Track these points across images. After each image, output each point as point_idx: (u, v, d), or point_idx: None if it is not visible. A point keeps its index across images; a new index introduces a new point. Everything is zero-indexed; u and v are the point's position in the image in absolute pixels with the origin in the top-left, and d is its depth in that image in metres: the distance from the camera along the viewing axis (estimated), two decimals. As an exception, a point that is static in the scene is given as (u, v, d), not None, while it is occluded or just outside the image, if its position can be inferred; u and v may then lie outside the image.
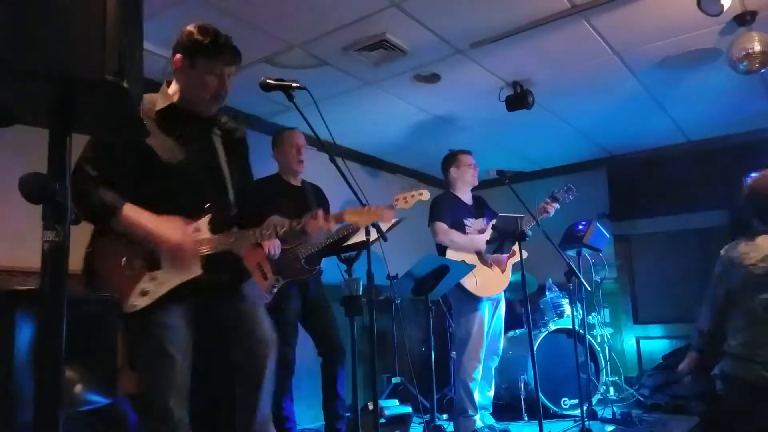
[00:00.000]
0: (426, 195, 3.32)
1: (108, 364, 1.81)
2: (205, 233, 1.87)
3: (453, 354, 3.81)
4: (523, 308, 3.72)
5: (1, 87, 0.97)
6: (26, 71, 0.92)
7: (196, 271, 1.82)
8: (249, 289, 2.01)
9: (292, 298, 3.14)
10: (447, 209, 3.67)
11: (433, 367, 3.26)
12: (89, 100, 1.04)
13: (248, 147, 2.19)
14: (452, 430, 3.60)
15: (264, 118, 4.22)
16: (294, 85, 2.13)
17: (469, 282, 3.46)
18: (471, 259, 3.55)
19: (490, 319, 3.65)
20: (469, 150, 3.87)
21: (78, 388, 1.70)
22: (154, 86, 3.59)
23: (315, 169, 3.49)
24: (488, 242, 3.58)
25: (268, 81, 2.12)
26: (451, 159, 3.83)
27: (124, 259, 1.80)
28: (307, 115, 2.15)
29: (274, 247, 3.02)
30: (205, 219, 1.88)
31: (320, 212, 2.00)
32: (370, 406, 3.00)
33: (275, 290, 3.06)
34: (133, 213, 1.76)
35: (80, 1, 0.95)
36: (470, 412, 3.48)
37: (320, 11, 2.88)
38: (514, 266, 3.67)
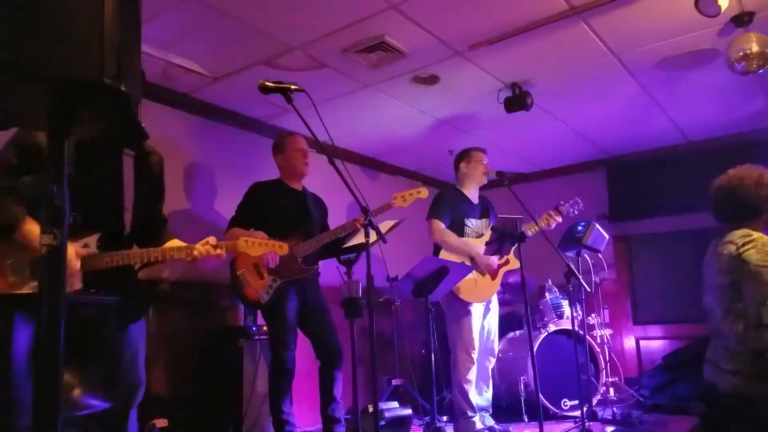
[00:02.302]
0: (425, 193, 3.34)
1: (107, 368, 1.81)
2: (92, 250, 1.87)
3: (453, 355, 3.81)
4: (523, 309, 3.72)
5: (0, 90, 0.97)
6: (24, 73, 0.92)
7: (76, 284, 1.82)
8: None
9: (290, 300, 3.13)
10: (448, 206, 3.65)
11: (433, 368, 3.26)
12: (87, 103, 1.04)
13: (162, 171, 2.16)
14: (452, 432, 3.59)
15: (263, 120, 4.22)
16: (293, 87, 2.13)
17: (459, 287, 3.45)
18: (464, 259, 3.54)
19: (482, 320, 3.64)
20: (484, 149, 3.84)
21: (77, 391, 1.69)
22: (152, 89, 3.61)
23: (314, 171, 3.49)
24: (488, 243, 3.58)
25: (266, 83, 2.12)
26: (462, 154, 3.81)
27: (10, 262, 1.80)
28: (306, 118, 2.15)
29: (273, 257, 3.04)
30: (94, 236, 1.89)
31: (211, 239, 2.00)
32: (371, 409, 3.01)
33: (272, 290, 3.06)
34: (29, 227, 1.78)
35: (78, 4, 0.94)
36: (469, 414, 3.47)
37: (319, 13, 2.87)
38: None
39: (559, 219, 3.72)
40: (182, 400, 3.40)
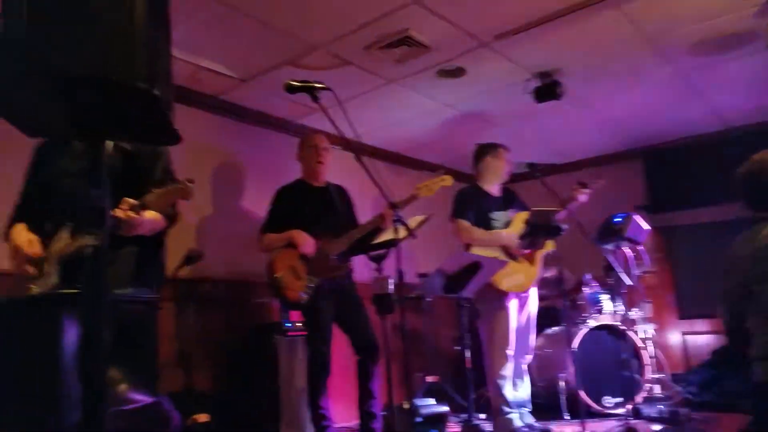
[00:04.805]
0: (449, 180, 3.30)
1: (150, 364, 1.87)
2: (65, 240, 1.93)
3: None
4: (561, 304, 3.64)
5: (37, 96, 1.01)
6: (60, 80, 0.95)
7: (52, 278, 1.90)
8: None
9: (325, 297, 3.17)
10: (471, 204, 3.57)
11: (469, 365, 3.22)
12: (121, 107, 1.07)
13: (142, 159, 2.07)
14: (491, 429, 3.54)
15: (290, 120, 4.27)
16: (318, 86, 2.16)
17: (494, 278, 3.34)
18: (498, 254, 3.46)
19: (518, 314, 3.55)
20: (507, 146, 3.76)
21: (122, 387, 1.75)
22: (182, 92, 3.71)
23: (341, 169, 3.51)
24: (521, 237, 3.51)
25: (292, 83, 2.16)
26: (487, 148, 3.72)
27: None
28: (332, 116, 2.18)
29: (310, 247, 3.11)
30: (67, 229, 1.92)
31: (125, 200, 1.82)
32: (406, 405, 3.01)
33: (310, 290, 3.11)
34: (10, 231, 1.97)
35: (110, 9, 0.97)
36: (506, 411, 3.41)
37: (342, 11, 2.89)
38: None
39: (587, 190, 3.55)
40: (222, 396, 3.47)
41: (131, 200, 1.81)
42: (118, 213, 1.80)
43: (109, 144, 2.01)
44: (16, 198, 2.12)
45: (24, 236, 1.95)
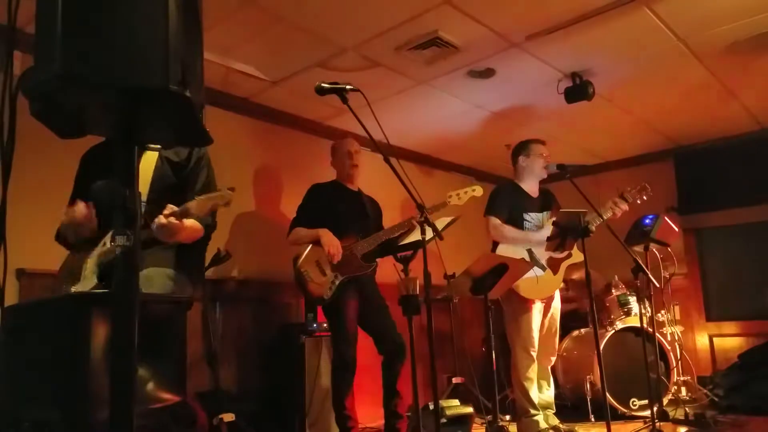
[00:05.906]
0: (479, 191, 3.29)
1: (178, 362, 1.89)
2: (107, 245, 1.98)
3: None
4: (588, 306, 3.59)
5: (71, 99, 1.03)
6: (94, 83, 0.97)
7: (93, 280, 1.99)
8: None
9: (350, 298, 3.18)
10: (505, 201, 3.54)
11: (494, 367, 3.20)
12: (154, 110, 1.08)
13: (190, 163, 2.15)
14: (516, 431, 3.52)
15: (320, 121, 4.29)
16: (348, 87, 2.16)
17: (519, 284, 3.32)
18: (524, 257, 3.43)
19: (543, 317, 3.52)
20: (543, 140, 3.71)
21: (150, 385, 1.77)
22: (213, 95, 3.75)
23: (370, 169, 3.52)
24: (549, 239, 3.45)
25: (322, 85, 2.16)
26: (521, 147, 3.68)
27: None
28: (361, 117, 2.17)
29: (335, 249, 3.12)
30: (109, 234, 1.96)
31: (168, 207, 1.85)
32: (431, 406, 2.99)
33: (334, 286, 3.12)
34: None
35: (143, 14, 0.98)
36: (531, 412, 3.39)
37: (371, 13, 2.89)
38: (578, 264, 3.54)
39: (625, 207, 3.49)
40: (249, 396, 3.51)
41: (173, 207, 1.87)
42: (161, 219, 1.86)
43: (154, 154, 2.11)
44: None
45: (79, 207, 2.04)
